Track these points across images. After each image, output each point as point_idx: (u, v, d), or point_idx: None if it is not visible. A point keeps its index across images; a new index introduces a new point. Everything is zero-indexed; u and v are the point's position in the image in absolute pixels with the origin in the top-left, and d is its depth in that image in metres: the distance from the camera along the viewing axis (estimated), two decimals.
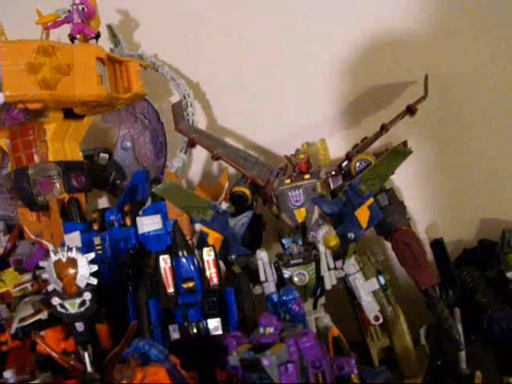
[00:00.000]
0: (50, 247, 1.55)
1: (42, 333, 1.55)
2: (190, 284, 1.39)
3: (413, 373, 1.56)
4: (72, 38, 1.92)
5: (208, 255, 1.40)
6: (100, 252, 1.65)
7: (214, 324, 1.37)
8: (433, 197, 1.98)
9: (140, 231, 1.66)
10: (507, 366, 1.51)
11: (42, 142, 1.93)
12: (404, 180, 1.88)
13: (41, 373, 1.49)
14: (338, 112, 2.08)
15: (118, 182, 2.16)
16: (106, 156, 2.16)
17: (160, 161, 2.09)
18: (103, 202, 2.35)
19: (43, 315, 1.55)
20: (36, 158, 1.92)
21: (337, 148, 1.97)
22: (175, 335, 1.38)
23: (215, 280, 1.40)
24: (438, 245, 1.72)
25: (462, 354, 1.50)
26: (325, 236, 1.35)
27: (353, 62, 2.04)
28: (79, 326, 1.43)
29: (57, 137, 1.93)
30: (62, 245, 1.56)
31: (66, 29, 1.98)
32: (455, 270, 1.68)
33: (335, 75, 2.06)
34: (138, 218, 1.66)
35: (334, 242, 1.32)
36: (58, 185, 1.91)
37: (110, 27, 2.19)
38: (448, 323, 1.47)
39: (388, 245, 1.90)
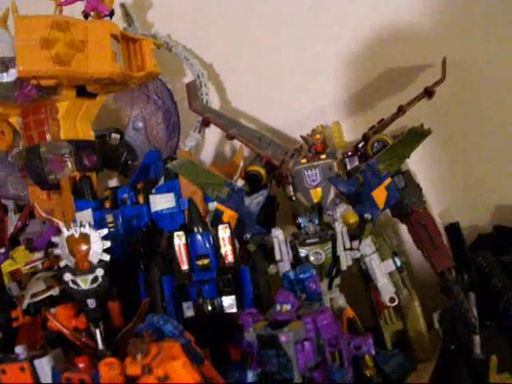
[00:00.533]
0: (61, 225, 1.53)
1: (53, 310, 1.55)
2: (205, 261, 1.38)
3: (426, 356, 1.55)
4: (86, 15, 1.91)
5: (224, 232, 1.38)
6: (112, 229, 1.64)
7: (228, 301, 1.36)
8: (447, 182, 1.97)
9: (153, 209, 1.66)
10: None
11: (54, 121, 1.92)
12: (418, 164, 1.85)
13: (51, 349, 1.48)
14: (352, 95, 2.06)
15: (129, 162, 2.15)
16: (118, 136, 2.15)
17: (173, 141, 2.07)
18: (113, 183, 2.34)
19: (55, 291, 1.55)
20: (48, 137, 1.91)
21: (350, 131, 1.95)
22: (189, 312, 1.37)
23: (230, 257, 1.38)
24: (453, 229, 1.72)
25: (477, 338, 1.48)
26: (344, 213, 1.34)
27: (368, 44, 2.02)
28: (91, 303, 1.42)
29: (69, 115, 1.92)
30: (74, 222, 1.56)
31: (78, 7, 1.96)
32: (470, 255, 1.66)
33: (350, 57, 2.04)
34: (150, 196, 1.65)
35: (354, 219, 1.30)
36: (69, 163, 1.90)
37: (123, 6, 2.17)
38: (464, 306, 1.46)
39: (401, 229, 1.90)
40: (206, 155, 2.20)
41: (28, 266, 1.79)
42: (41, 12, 1.81)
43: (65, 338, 1.49)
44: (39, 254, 1.82)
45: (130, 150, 2.15)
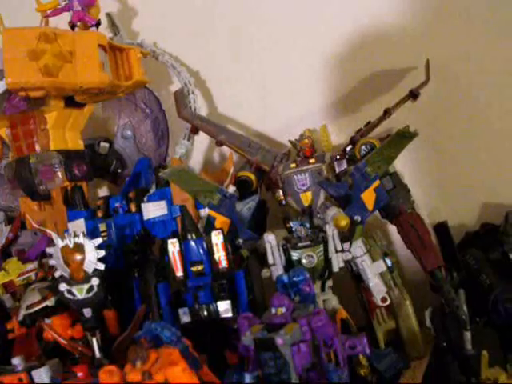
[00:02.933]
0: (54, 235, 1.54)
1: (48, 320, 1.56)
2: (199, 267, 1.39)
3: (419, 354, 1.57)
4: (72, 26, 1.92)
5: (217, 238, 1.40)
6: (105, 238, 1.65)
7: (224, 306, 1.38)
8: (434, 182, 1.99)
9: (145, 217, 1.67)
10: (510, 345, 1.52)
11: (43, 131, 1.93)
12: (406, 165, 1.88)
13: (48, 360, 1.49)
14: (337, 98, 2.08)
15: (119, 170, 2.16)
16: (107, 145, 2.15)
17: (162, 148, 2.09)
18: (103, 192, 2.34)
19: (50, 302, 1.56)
20: (37, 147, 1.92)
21: (336, 134, 1.97)
22: (185, 318, 1.38)
23: (224, 263, 1.40)
24: (441, 228, 1.74)
25: (467, 334, 1.50)
26: (335, 216, 1.36)
27: (352, 47, 2.04)
28: (87, 312, 1.44)
29: (58, 125, 1.93)
30: (66, 232, 1.57)
31: (63, 17, 1.98)
32: (459, 253, 1.69)
33: (334, 61, 2.06)
34: (143, 205, 1.67)
35: (345, 221, 1.33)
36: (59, 173, 1.91)
37: (109, 15, 2.18)
38: (454, 303, 1.48)
39: (390, 231, 1.93)
40: (195, 162, 2.21)
41: (21, 277, 1.80)
42: (26, 22, 1.83)
43: (60, 348, 1.50)
44: (32, 266, 1.83)
45: (120, 158, 2.16)
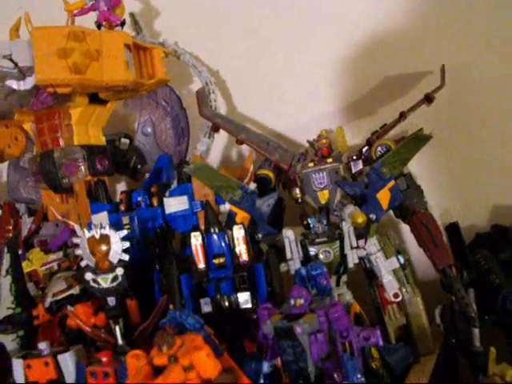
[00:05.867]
0: (77, 227, 1.60)
1: (70, 307, 1.61)
2: (221, 259, 1.45)
3: (428, 350, 1.62)
4: (99, 25, 1.97)
5: (238, 232, 1.46)
6: (128, 231, 1.70)
7: (244, 297, 1.43)
8: (446, 184, 2.04)
9: (167, 211, 1.72)
10: None
11: (67, 126, 1.99)
12: (419, 167, 1.93)
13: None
14: (353, 101, 2.14)
15: (139, 166, 2.20)
16: (127, 141, 2.20)
17: (182, 146, 2.14)
18: (121, 187, 2.40)
19: (75, 290, 1.62)
20: (61, 142, 1.98)
21: (352, 135, 2.02)
22: (207, 308, 1.44)
23: (244, 256, 1.46)
24: (453, 228, 1.78)
25: (476, 331, 1.55)
26: (352, 214, 1.41)
27: (368, 52, 2.10)
28: (111, 301, 1.49)
29: (82, 121, 1.99)
30: (89, 225, 1.63)
31: (87, 16, 2.03)
32: (470, 253, 1.73)
33: (351, 65, 2.11)
34: (165, 199, 1.72)
35: (362, 218, 1.38)
36: (82, 168, 1.96)
37: (132, 15, 2.24)
38: (464, 301, 1.52)
39: (402, 229, 1.98)
40: (211, 159, 2.26)
41: (44, 267, 1.85)
42: (53, 20, 1.88)
43: (81, 336, 1.56)
44: (55, 256, 1.89)
45: (140, 154, 2.21)
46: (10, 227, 2.15)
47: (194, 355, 1.08)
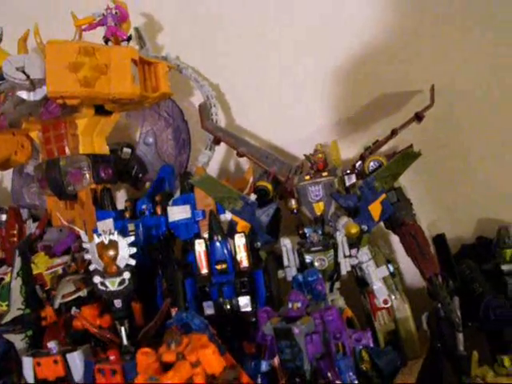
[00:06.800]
0: (82, 233, 1.68)
1: (75, 309, 1.69)
2: (223, 265, 1.55)
3: (415, 354, 1.70)
4: (106, 40, 2.06)
5: (239, 240, 1.56)
6: (133, 238, 1.78)
7: (244, 301, 1.53)
8: (434, 197, 2.12)
9: (170, 219, 1.81)
10: (498, 347, 1.65)
11: (73, 136, 2.07)
12: (409, 181, 2.01)
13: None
14: (348, 116, 2.22)
15: (140, 175, 2.27)
16: (129, 150, 2.27)
17: (182, 156, 2.21)
18: (121, 195, 2.47)
19: (83, 293, 1.70)
20: (67, 150, 2.06)
21: (347, 148, 2.10)
22: (209, 311, 1.53)
23: (245, 262, 1.56)
24: (440, 239, 1.87)
25: (460, 337, 1.62)
26: (346, 224, 1.51)
27: (361, 69, 2.18)
28: (118, 303, 1.57)
29: (87, 131, 2.08)
30: (95, 231, 1.71)
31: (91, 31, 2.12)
32: (455, 263, 1.82)
33: (344, 83, 2.20)
34: (168, 208, 1.81)
35: (355, 229, 1.48)
36: (87, 176, 2.04)
37: (137, 30, 2.31)
38: (449, 308, 1.60)
39: (392, 240, 2.07)
40: (211, 170, 2.34)
41: (49, 271, 1.93)
42: (61, 34, 1.97)
43: (86, 337, 1.64)
44: (60, 260, 1.96)
45: (141, 163, 2.28)
46: (15, 232, 2.21)
47: (201, 352, 1.18)
